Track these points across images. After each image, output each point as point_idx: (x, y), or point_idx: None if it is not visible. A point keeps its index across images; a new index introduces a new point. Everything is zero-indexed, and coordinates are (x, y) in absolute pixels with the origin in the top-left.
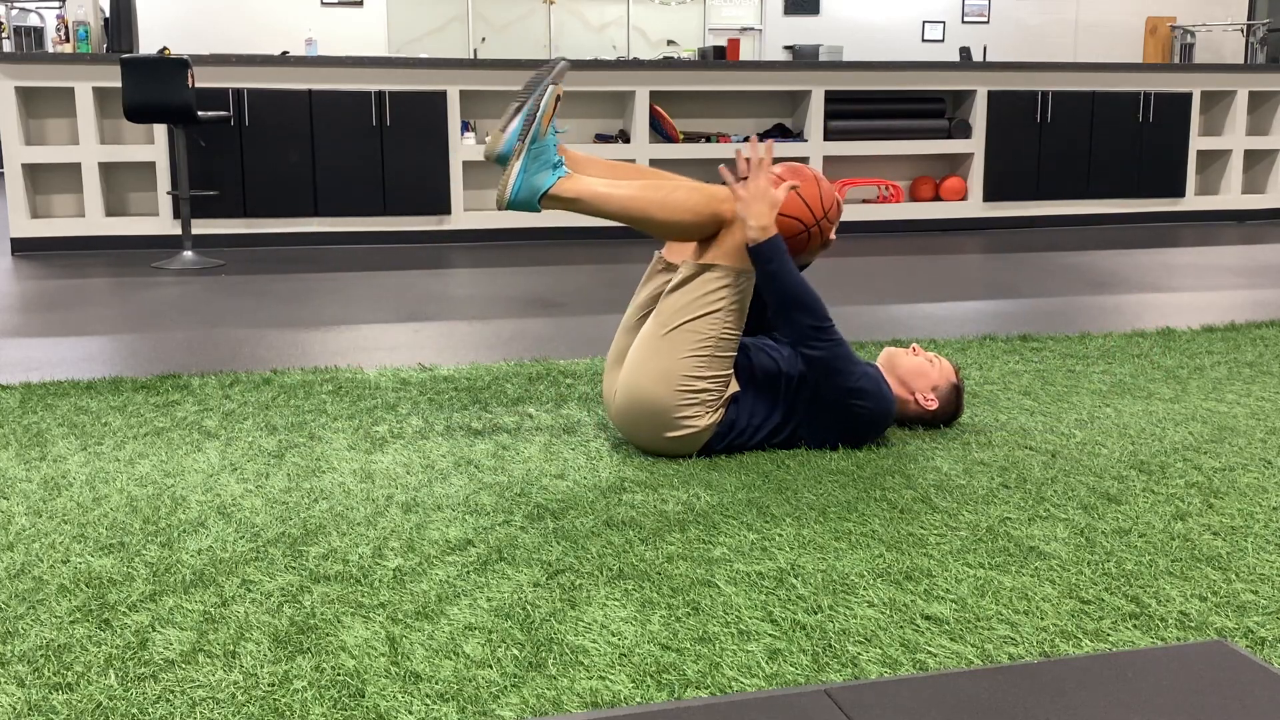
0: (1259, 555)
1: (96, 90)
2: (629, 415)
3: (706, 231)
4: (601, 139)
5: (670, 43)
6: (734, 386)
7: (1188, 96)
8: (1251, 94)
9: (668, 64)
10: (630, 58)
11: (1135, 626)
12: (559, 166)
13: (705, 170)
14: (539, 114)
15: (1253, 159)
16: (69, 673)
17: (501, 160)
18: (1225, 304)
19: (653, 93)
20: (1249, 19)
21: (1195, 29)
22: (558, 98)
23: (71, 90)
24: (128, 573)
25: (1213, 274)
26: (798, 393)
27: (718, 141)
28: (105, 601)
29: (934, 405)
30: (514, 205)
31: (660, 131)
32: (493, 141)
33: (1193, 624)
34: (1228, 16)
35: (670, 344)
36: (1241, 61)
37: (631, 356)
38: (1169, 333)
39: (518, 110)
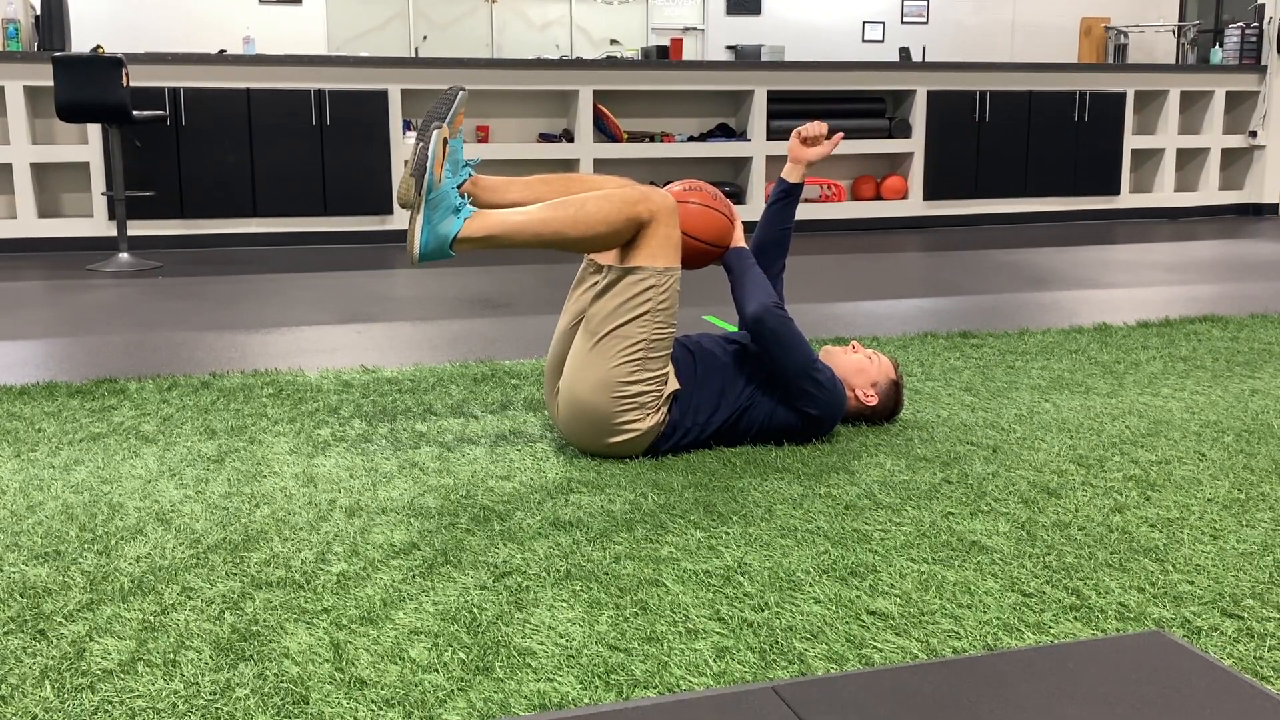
0: (1194, 546)
1: (28, 89)
2: (571, 425)
3: (625, 238)
4: (545, 138)
5: (613, 42)
6: (673, 384)
7: (1122, 96)
8: (1183, 94)
9: (611, 63)
10: (573, 57)
11: (1076, 618)
12: (462, 209)
13: (649, 169)
14: (429, 162)
15: (1185, 157)
16: (3, 685)
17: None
18: (1160, 300)
19: (596, 92)
20: (1180, 20)
21: (1128, 30)
22: (445, 140)
23: (1, 89)
24: (64, 582)
25: (1147, 270)
26: (746, 385)
27: (661, 141)
28: (40, 611)
29: (874, 401)
30: (425, 258)
31: (604, 131)
32: (405, 188)
33: (1131, 615)
34: (1159, 18)
35: (602, 352)
36: (1173, 62)
37: (567, 367)
38: (1105, 328)
39: (423, 150)
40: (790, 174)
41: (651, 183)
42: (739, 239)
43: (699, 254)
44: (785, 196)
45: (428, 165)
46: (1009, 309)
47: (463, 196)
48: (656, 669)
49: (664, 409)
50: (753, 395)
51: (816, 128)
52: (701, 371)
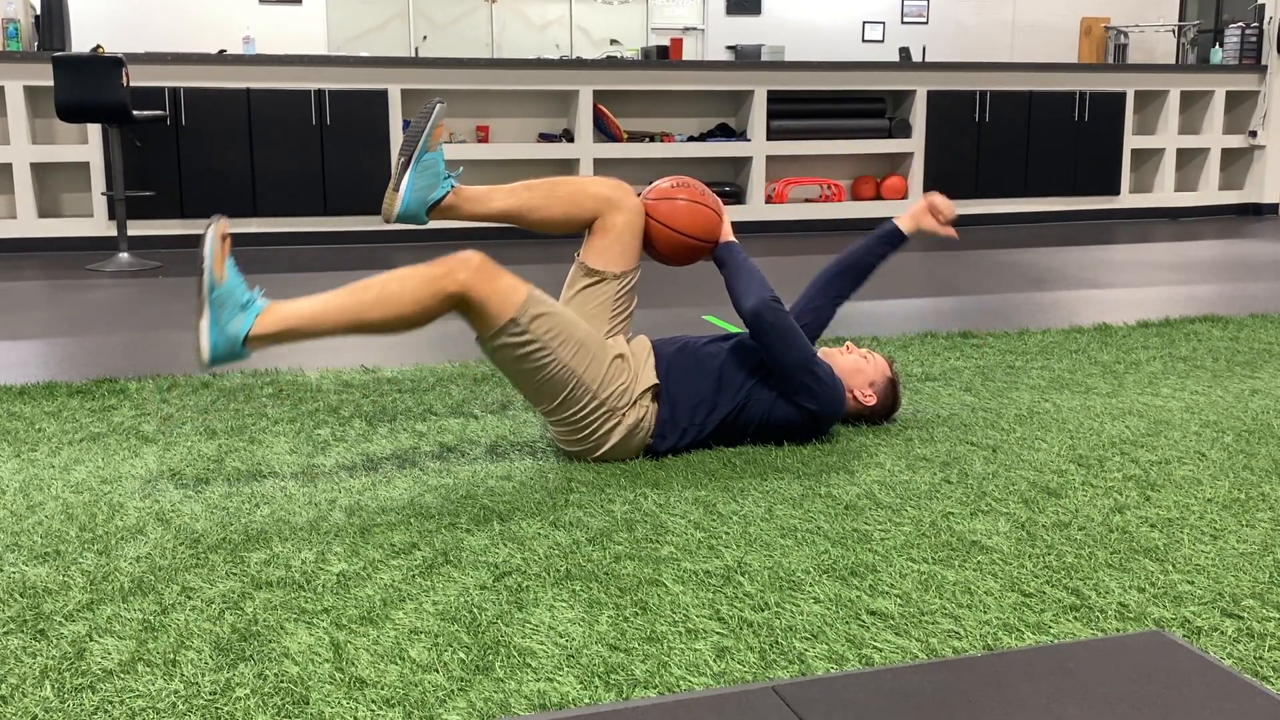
0: (1194, 546)
1: (28, 89)
2: (564, 448)
3: (437, 314)
4: (545, 138)
5: (614, 42)
6: (649, 378)
7: (1122, 96)
8: (1183, 94)
9: (611, 63)
10: (573, 57)
11: (1076, 618)
12: (250, 305)
13: (649, 169)
14: (207, 260)
15: (1185, 157)
16: (3, 685)
17: (405, 219)
18: (1160, 299)
19: (596, 92)
20: (1180, 20)
21: (1129, 30)
22: (224, 235)
23: (1, 89)
24: (64, 581)
25: (1147, 270)
26: (744, 381)
27: (661, 141)
28: (40, 611)
29: (873, 401)
30: (216, 361)
31: (604, 131)
32: (389, 204)
33: (1131, 615)
34: (1160, 17)
35: (545, 398)
36: (1173, 62)
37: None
38: (1106, 328)
39: (405, 165)
40: (905, 224)
41: (650, 182)
42: (728, 233)
43: (690, 249)
44: (890, 239)
45: (206, 263)
46: (1009, 309)
47: (253, 290)
48: (656, 669)
49: (642, 402)
50: (750, 391)
51: (951, 211)
52: (698, 370)
